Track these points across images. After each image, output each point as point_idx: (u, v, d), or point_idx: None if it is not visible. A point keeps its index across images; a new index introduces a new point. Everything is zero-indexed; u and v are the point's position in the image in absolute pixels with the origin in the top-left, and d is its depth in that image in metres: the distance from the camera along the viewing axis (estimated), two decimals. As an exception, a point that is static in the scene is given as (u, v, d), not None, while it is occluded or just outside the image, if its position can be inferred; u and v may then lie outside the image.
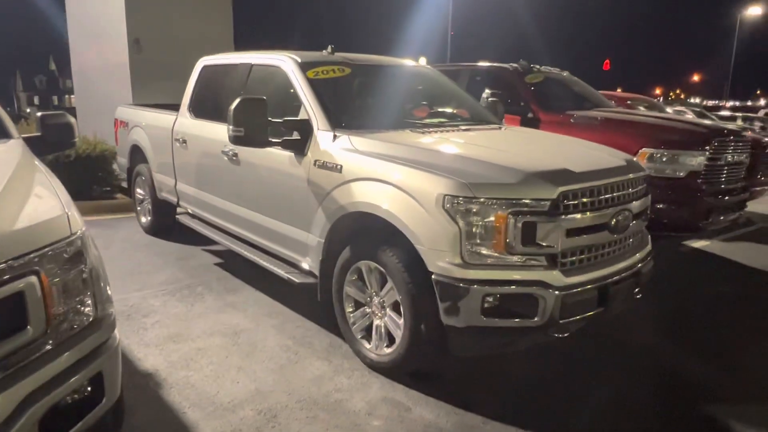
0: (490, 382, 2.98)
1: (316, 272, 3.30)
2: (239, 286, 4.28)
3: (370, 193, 2.85)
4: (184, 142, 4.57)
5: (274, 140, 3.27)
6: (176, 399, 2.72)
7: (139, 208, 5.86)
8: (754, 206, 7.77)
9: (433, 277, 2.57)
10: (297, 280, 3.40)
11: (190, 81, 4.74)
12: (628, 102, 8.60)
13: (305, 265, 3.41)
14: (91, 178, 6.89)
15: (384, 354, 2.93)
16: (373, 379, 2.94)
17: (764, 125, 20.61)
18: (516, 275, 2.52)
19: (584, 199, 2.62)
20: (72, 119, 2.97)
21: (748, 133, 8.11)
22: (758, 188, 7.18)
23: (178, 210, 5.12)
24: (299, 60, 3.63)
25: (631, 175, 2.92)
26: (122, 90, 7.34)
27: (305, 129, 3.30)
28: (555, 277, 2.53)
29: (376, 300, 2.98)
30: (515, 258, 2.52)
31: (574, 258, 2.63)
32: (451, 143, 3.12)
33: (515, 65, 5.94)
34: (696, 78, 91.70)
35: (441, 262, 2.55)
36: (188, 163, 4.61)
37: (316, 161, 3.19)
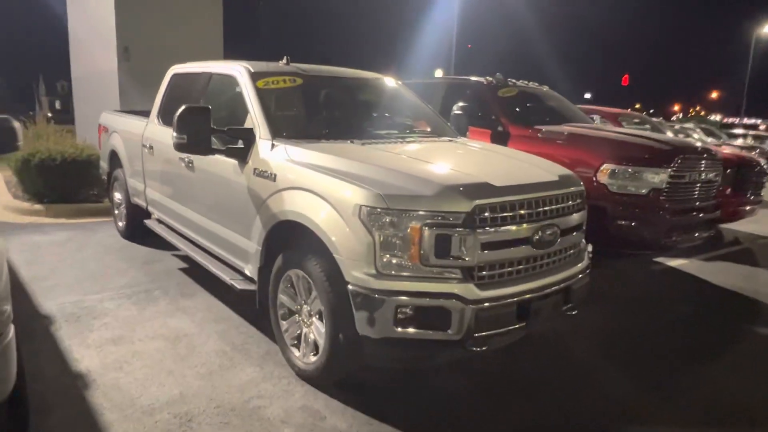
0: (414, 395, 2.96)
1: (256, 279, 3.33)
2: (196, 292, 4.33)
3: (297, 201, 2.89)
4: (151, 148, 4.66)
5: (217, 148, 3.33)
6: (99, 401, 2.75)
7: (116, 212, 5.96)
8: (741, 225, 7.68)
9: (348, 286, 2.59)
10: (239, 287, 3.44)
11: (160, 88, 4.84)
12: (619, 118, 8.55)
13: (247, 272, 3.45)
14: (77, 181, 7.02)
15: (310, 362, 2.94)
16: (298, 388, 2.95)
17: (775, 144, 20.30)
18: (429, 287, 2.52)
19: (502, 213, 2.62)
20: (16, 124, 3.05)
21: (731, 151, 8.03)
22: (747, 207, 7.10)
23: (153, 216, 5.20)
24: (252, 70, 3.70)
25: (560, 191, 2.91)
26: (112, 96, 7.50)
27: (248, 137, 3.35)
28: (469, 290, 2.53)
29: (305, 308, 3.00)
30: (429, 270, 2.53)
31: (492, 272, 2.63)
32: (385, 155, 3.14)
33: (490, 79, 5.96)
34: (715, 95, 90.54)
35: (356, 272, 2.56)
36: (154, 169, 4.69)
37: (255, 169, 3.24)
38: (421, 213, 2.50)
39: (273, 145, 3.20)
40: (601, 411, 2.90)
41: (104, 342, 3.41)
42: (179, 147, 3.25)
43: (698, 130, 18.83)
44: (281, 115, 3.50)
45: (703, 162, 4.85)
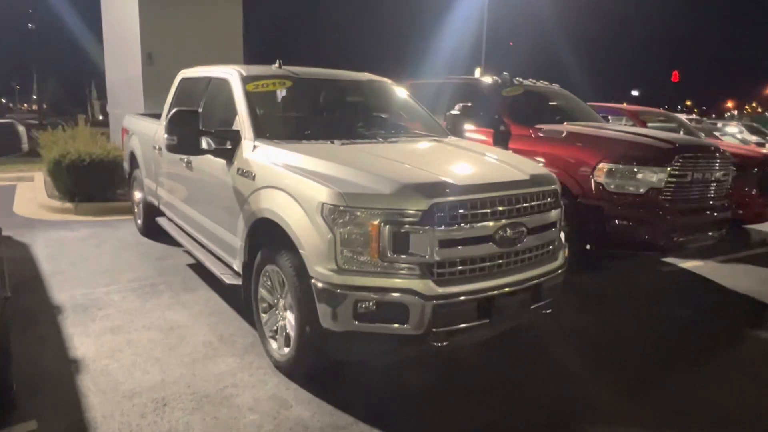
0: (386, 388, 3.04)
1: (241, 273, 3.48)
2: (198, 286, 4.53)
3: (271, 200, 3.01)
4: (160, 149, 4.89)
5: (206, 149, 3.49)
6: (86, 385, 2.95)
7: (135, 210, 6.27)
8: (771, 226, 7.37)
9: (311, 281, 2.69)
10: (227, 281, 3.60)
11: (170, 92, 5.07)
12: (641, 116, 8.33)
13: (235, 267, 3.61)
14: (105, 181, 7.39)
15: (283, 354, 3.06)
16: (273, 378, 3.07)
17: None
18: (388, 283, 2.60)
19: (462, 211, 2.66)
20: (21, 128, 3.28)
21: (752, 148, 7.71)
22: (774, 207, 6.80)
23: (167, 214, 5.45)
24: (243, 74, 3.86)
25: (528, 189, 2.93)
26: (137, 100, 7.87)
27: (235, 138, 3.50)
28: (427, 286, 2.59)
29: (281, 302, 3.13)
30: (388, 266, 2.61)
31: (452, 268, 2.68)
32: (359, 155, 3.23)
33: (496, 78, 5.95)
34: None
35: (319, 268, 2.67)
36: (162, 170, 4.93)
37: (239, 169, 3.39)
38: (379, 210, 2.58)
39: (255, 146, 3.35)
40: (562, 410, 2.90)
41: (103, 331, 3.63)
42: (170, 148, 3.43)
43: (742, 128, 18.03)
44: (267, 116, 3.64)
45: (709, 160, 4.71)
